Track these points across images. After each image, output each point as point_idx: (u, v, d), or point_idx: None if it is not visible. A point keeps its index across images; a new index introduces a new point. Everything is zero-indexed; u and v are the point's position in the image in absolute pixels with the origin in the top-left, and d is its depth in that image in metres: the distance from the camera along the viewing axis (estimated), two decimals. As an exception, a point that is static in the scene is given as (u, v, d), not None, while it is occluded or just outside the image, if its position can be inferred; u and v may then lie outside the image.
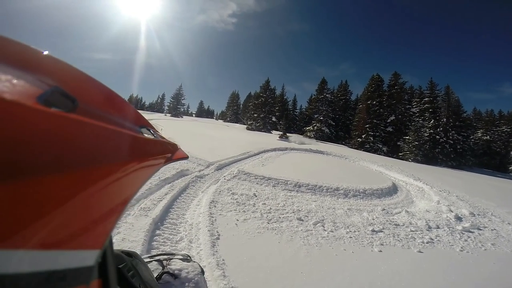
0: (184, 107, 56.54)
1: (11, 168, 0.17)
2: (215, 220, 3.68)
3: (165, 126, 16.92)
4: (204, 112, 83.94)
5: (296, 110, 48.54)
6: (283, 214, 4.36)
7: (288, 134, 24.43)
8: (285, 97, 45.48)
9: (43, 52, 0.29)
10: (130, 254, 0.63)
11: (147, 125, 0.39)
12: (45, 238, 0.19)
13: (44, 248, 0.20)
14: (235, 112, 56.23)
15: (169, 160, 0.40)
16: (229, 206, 4.32)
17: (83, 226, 0.23)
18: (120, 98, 0.35)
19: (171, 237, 3.06)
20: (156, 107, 73.43)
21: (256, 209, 4.39)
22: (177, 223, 3.45)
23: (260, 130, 31.44)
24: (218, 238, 3.16)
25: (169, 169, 5.64)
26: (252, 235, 3.44)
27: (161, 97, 76.10)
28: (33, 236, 0.19)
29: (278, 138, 21.00)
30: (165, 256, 1.36)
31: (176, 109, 49.36)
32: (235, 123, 46.36)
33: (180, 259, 1.35)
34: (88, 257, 0.24)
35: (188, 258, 1.41)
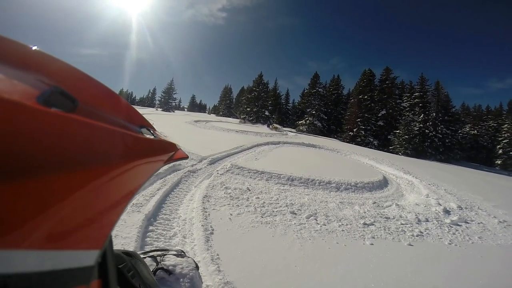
0: (175, 101, 55.98)
1: (11, 168, 0.17)
2: (209, 215, 3.67)
3: (155, 120, 16.68)
4: (196, 107, 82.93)
5: (289, 104, 48.64)
6: (276, 208, 4.38)
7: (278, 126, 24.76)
8: (278, 91, 45.40)
9: (43, 52, 0.29)
10: (130, 254, 0.63)
11: (147, 125, 0.39)
12: (45, 238, 0.19)
13: (44, 248, 0.20)
14: (228, 106, 55.93)
15: (168, 160, 0.41)
16: (222, 200, 4.31)
17: (83, 226, 0.23)
18: (120, 98, 0.35)
19: (164, 232, 3.04)
20: (147, 102, 71.97)
21: (250, 203, 4.40)
22: (170, 219, 3.42)
23: (253, 124, 31.35)
24: (212, 233, 3.16)
25: (161, 164, 5.57)
26: (246, 230, 3.45)
27: (152, 91, 74.45)
28: (33, 236, 0.19)
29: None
30: (159, 252, 1.34)
31: (168, 104, 48.82)
32: (228, 117, 46.09)
33: (174, 254, 1.34)
34: (88, 257, 0.24)
35: (182, 253, 1.40)
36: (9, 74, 0.22)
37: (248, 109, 35.23)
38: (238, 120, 35.12)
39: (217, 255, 2.70)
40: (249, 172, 6.22)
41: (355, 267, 2.98)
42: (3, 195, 0.17)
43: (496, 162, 29.24)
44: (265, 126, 26.22)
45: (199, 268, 1.47)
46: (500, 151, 29.03)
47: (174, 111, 44.89)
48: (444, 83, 27.74)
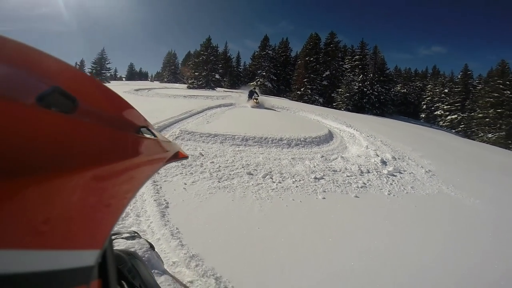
0: (110, 71, 49.75)
1: (9, 168, 0.17)
2: (160, 187, 3.43)
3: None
4: (136, 75, 74.26)
5: (240, 67, 47.57)
6: (233, 171, 4.33)
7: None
8: (228, 55, 43.85)
9: (43, 52, 0.29)
10: (130, 254, 0.64)
11: (147, 125, 0.38)
12: (44, 238, 0.19)
13: (44, 248, 0.20)
14: (173, 72, 52.00)
15: (169, 160, 0.41)
16: (173, 170, 4.03)
17: (83, 226, 0.23)
18: (120, 98, 0.35)
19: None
20: (73, 74, 61.39)
21: (204, 169, 4.25)
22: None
23: (203, 88, 30.11)
24: (167, 207, 2.97)
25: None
26: (204, 197, 3.34)
27: (79, 64, 63.40)
28: (32, 236, 0.19)
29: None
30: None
31: (101, 75, 43.17)
32: (174, 83, 43.07)
33: (125, 237, 1.23)
34: (88, 257, 0.24)
35: (136, 234, 1.28)
36: (8, 74, 0.22)
37: (196, 73, 33.37)
38: (186, 85, 33.26)
39: (177, 229, 2.57)
40: (201, 136, 5.94)
41: (312, 222, 3.15)
42: (2, 195, 0.17)
43: (421, 115, 36.22)
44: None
45: (155, 248, 1.35)
46: (424, 107, 36.23)
47: (109, 82, 40.00)
48: (381, 48, 31.01)
